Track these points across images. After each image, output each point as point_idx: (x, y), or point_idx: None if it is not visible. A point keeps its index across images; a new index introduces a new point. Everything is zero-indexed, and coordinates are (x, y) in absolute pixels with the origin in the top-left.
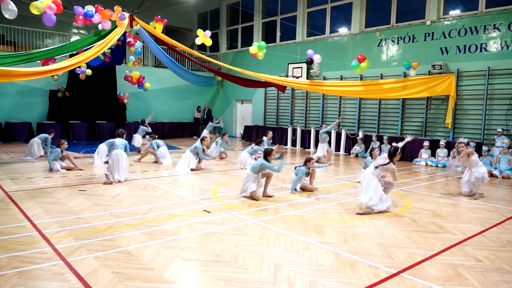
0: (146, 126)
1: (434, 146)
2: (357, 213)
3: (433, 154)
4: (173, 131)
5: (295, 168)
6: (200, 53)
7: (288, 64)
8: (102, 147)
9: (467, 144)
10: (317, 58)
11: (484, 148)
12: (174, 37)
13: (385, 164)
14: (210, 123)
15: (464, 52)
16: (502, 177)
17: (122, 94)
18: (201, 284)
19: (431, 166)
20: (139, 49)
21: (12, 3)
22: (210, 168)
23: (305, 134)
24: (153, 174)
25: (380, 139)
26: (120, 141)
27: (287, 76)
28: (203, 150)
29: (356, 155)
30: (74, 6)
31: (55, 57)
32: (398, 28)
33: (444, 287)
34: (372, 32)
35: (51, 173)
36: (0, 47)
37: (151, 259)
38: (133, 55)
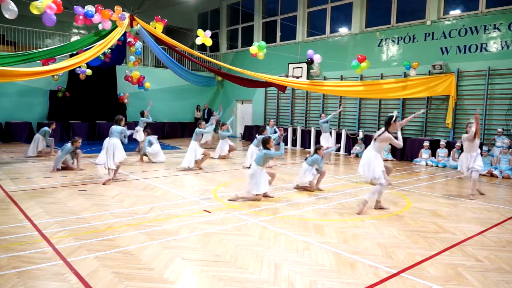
0: (145, 117)
1: (434, 146)
2: (357, 213)
3: (433, 154)
4: (173, 131)
5: (305, 159)
6: (200, 53)
7: (288, 64)
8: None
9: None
10: (317, 58)
11: (485, 148)
12: (174, 37)
13: (381, 134)
14: (211, 117)
15: (465, 52)
16: (502, 177)
17: (122, 94)
18: (201, 284)
19: (431, 166)
20: (139, 49)
21: (12, 3)
22: (211, 168)
23: (306, 134)
24: (153, 174)
25: None
26: (115, 128)
27: (287, 76)
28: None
29: (357, 155)
30: (74, 6)
31: (55, 57)
32: (398, 28)
33: (444, 287)
34: (372, 32)
35: (51, 173)
36: (0, 47)
37: (151, 259)
38: (133, 55)
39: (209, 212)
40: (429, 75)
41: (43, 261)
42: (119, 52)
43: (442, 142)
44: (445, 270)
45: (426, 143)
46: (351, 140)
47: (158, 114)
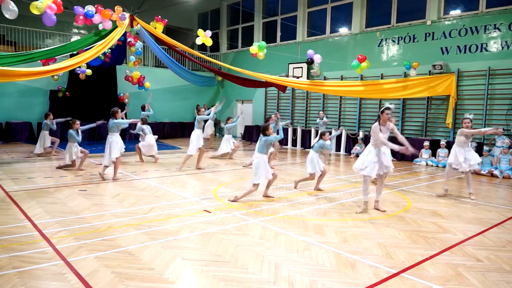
0: (146, 111)
1: (434, 146)
2: (356, 212)
3: (434, 154)
4: (173, 131)
5: (311, 147)
6: (200, 53)
7: (289, 64)
8: None
9: (471, 121)
10: (317, 58)
11: (485, 148)
12: (174, 37)
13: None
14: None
15: (465, 52)
16: (503, 177)
17: (122, 94)
18: (202, 284)
19: (432, 166)
20: (140, 49)
21: (12, 3)
22: (211, 168)
23: (306, 134)
24: (153, 174)
25: None
26: (110, 123)
27: (287, 76)
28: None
29: (357, 155)
30: (75, 6)
31: (56, 57)
32: (399, 28)
33: (444, 287)
34: (373, 32)
35: (52, 172)
36: (1, 47)
37: (151, 259)
38: (133, 55)
39: (209, 212)
40: (430, 75)
41: (43, 261)
42: (119, 52)
43: (443, 142)
44: (445, 270)
45: (426, 143)
46: (351, 140)
47: (159, 114)
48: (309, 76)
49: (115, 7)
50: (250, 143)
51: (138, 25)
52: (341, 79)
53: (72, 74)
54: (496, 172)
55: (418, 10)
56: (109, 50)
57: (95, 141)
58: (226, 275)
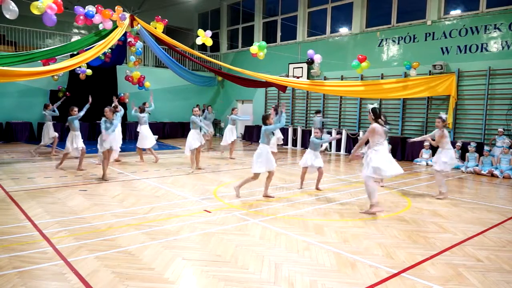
0: (147, 107)
1: (434, 146)
2: (361, 212)
3: (434, 154)
4: (173, 131)
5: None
6: (200, 53)
7: (289, 64)
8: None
9: (444, 121)
10: (317, 58)
11: (485, 148)
12: (174, 37)
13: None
14: (208, 114)
15: (465, 52)
16: (503, 177)
17: (122, 94)
18: (202, 284)
19: (432, 166)
20: (140, 49)
21: (12, 3)
22: (211, 168)
23: (306, 134)
24: (153, 174)
25: None
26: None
27: (287, 76)
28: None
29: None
30: (75, 6)
31: (56, 57)
32: (399, 28)
33: (444, 287)
34: (373, 32)
35: (52, 172)
36: (1, 47)
37: (151, 259)
38: (133, 55)
39: (209, 212)
40: (430, 75)
41: (43, 261)
42: (119, 52)
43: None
44: (446, 270)
45: (427, 143)
46: (352, 140)
47: (159, 114)
48: (309, 76)
49: (115, 7)
50: (250, 143)
51: (138, 25)
52: (342, 79)
53: (72, 74)
54: (497, 172)
55: (418, 10)
56: (109, 50)
57: (94, 140)
58: (226, 275)
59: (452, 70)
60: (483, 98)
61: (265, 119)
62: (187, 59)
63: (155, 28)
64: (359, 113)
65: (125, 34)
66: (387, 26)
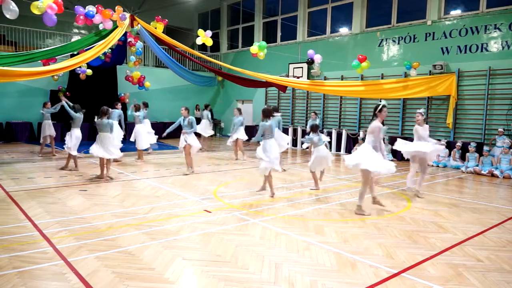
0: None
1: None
2: (355, 213)
3: None
4: (173, 131)
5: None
6: (200, 53)
7: (289, 64)
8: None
9: (423, 115)
10: (317, 58)
11: (485, 148)
12: (174, 37)
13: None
14: (207, 114)
15: (465, 52)
16: (503, 177)
17: (123, 94)
18: (202, 284)
19: (432, 166)
20: (140, 49)
21: (13, 3)
22: (211, 168)
23: (306, 134)
24: (154, 174)
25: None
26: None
27: (287, 76)
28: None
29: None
30: (75, 6)
31: (56, 57)
32: (399, 28)
33: (444, 287)
34: (373, 32)
35: (52, 172)
36: (1, 47)
37: (151, 259)
38: (133, 55)
39: (209, 212)
40: (430, 75)
41: (43, 261)
42: (119, 52)
43: (443, 142)
44: (446, 270)
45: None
46: (352, 140)
47: (159, 114)
48: (309, 76)
49: (116, 7)
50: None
51: (139, 25)
52: (342, 79)
53: (73, 74)
54: (497, 172)
55: (419, 10)
56: (110, 50)
57: (95, 141)
58: (226, 275)
59: (452, 70)
60: (483, 98)
61: (263, 114)
62: (187, 59)
63: (155, 28)
64: (359, 113)
65: (125, 34)
66: (387, 26)
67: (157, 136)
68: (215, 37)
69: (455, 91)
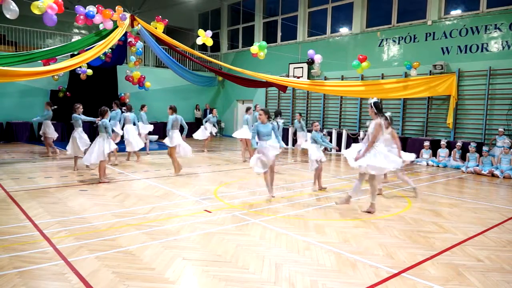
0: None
1: (435, 146)
2: (363, 211)
3: (434, 154)
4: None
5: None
6: (201, 53)
7: (289, 64)
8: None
9: (386, 118)
10: (318, 58)
11: (485, 148)
12: (175, 37)
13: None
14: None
15: (465, 52)
16: (503, 177)
17: (123, 94)
18: (202, 284)
19: (432, 166)
20: (140, 49)
21: (13, 3)
22: (211, 168)
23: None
24: (154, 174)
25: None
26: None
27: (288, 76)
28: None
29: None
30: (75, 6)
31: (56, 57)
32: (399, 28)
33: (445, 287)
34: (373, 32)
35: (53, 172)
36: (1, 47)
37: (152, 259)
38: (134, 55)
39: (210, 212)
40: (430, 75)
41: (44, 261)
42: (119, 52)
43: (443, 142)
44: (446, 270)
45: (427, 143)
46: (352, 140)
47: (159, 114)
48: (309, 76)
49: (116, 7)
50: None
51: (139, 25)
52: (342, 79)
53: (73, 74)
54: (497, 172)
55: (419, 10)
56: (110, 50)
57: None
58: (226, 275)
59: (453, 70)
60: (483, 98)
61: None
62: (187, 59)
63: (156, 28)
64: (359, 113)
65: (125, 34)
66: (388, 26)
67: (157, 136)
68: (215, 37)
69: (455, 91)
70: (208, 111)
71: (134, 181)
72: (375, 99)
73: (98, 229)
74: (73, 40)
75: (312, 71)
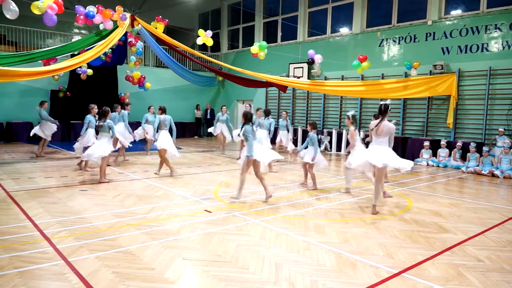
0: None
1: (435, 146)
2: (372, 213)
3: (434, 154)
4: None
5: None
6: (201, 53)
7: (289, 64)
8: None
9: (349, 118)
10: (318, 58)
11: (485, 148)
12: (175, 37)
13: (379, 123)
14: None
15: (466, 52)
16: (504, 177)
17: (123, 94)
18: (202, 284)
19: (432, 166)
20: (140, 49)
21: (13, 3)
22: (211, 168)
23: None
24: (154, 174)
25: None
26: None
27: (288, 76)
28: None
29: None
30: (76, 6)
31: (57, 57)
32: (399, 28)
33: (445, 287)
34: (373, 32)
35: (53, 172)
36: (2, 47)
37: (152, 259)
38: (134, 55)
39: (210, 212)
40: (430, 75)
41: (44, 261)
42: (120, 52)
43: (443, 142)
44: (446, 270)
45: (427, 143)
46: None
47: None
48: (309, 76)
49: (116, 7)
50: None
51: (139, 25)
52: (342, 79)
53: (73, 74)
54: (497, 172)
55: (419, 10)
56: (110, 50)
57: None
58: (226, 275)
59: (453, 70)
60: (483, 98)
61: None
62: (187, 59)
63: (156, 28)
64: (359, 113)
65: (125, 34)
66: (388, 26)
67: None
68: (215, 37)
69: (455, 91)
70: (209, 111)
71: (134, 181)
72: (387, 101)
73: (98, 229)
74: (73, 40)
75: (312, 71)
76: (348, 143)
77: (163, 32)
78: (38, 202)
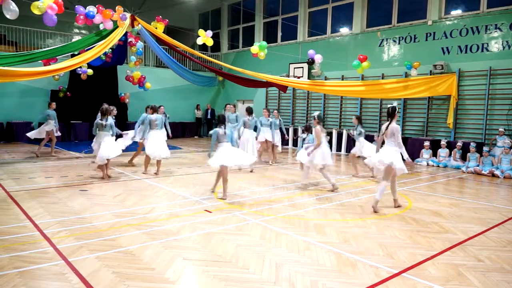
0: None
1: (435, 146)
2: (374, 212)
3: (434, 154)
4: (174, 131)
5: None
6: (201, 53)
7: (289, 64)
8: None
9: (315, 118)
10: (318, 58)
11: (485, 148)
12: (175, 37)
13: (388, 126)
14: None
15: (466, 52)
16: (504, 177)
17: (123, 94)
18: (202, 284)
19: (432, 166)
20: (141, 49)
21: (13, 3)
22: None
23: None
24: (154, 174)
25: None
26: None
27: (288, 76)
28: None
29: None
30: (76, 6)
31: (57, 57)
32: (400, 28)
33: (445, 287)
34: (373, 32)
35: (53, 172)
36: (2, 47)
37: (152, 259)
38: (134, 55)
39: (210, 212)
40: (430, 75)
41: (44, 261)
42: (120, 52)
43: (443, 142)
44: (446, 270)
45: (427, 143)
46: (352, 140)
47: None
48: (310, 76)
49: (116, 7)
50: None
51: (139, 25)
52: (342, 79)
53: (73, 74)
54: (497, 172)
55: (419, 10)
56: (110, 50)
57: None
58: (226, 275)
59: (453, 70)
60: (483, 98)
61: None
62: (187, 59)
63: (156, 28)
64: (359, 113)
65: (125, 34)
66: (388, 26)
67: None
68: (215, 37)
69: (455, 91)
70: (209, 111)
71: (134, 181)
72: (394, 104)
73: (98, 229)
74: (73, 40)
75: (312, 71)
76: (348, 143)
77: (163, 32)
78: (38, 202)
